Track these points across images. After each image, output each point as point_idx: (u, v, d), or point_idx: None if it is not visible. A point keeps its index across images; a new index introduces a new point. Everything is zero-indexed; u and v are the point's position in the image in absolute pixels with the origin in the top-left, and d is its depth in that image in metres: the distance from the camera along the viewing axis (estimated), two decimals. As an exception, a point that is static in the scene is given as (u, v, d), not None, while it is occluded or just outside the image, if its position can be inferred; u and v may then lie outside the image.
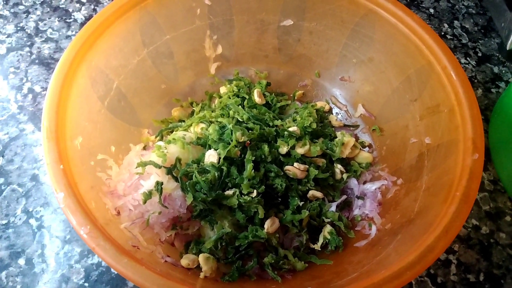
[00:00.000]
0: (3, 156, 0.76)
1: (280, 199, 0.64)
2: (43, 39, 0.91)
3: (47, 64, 0.87)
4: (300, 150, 0.66)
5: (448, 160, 0.58)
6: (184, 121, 0.76)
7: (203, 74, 0.81)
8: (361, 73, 0.76)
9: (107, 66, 0.66)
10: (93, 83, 0.64)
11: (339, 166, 0.69)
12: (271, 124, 0.69)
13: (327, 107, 0.78)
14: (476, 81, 0.90)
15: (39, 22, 0.93)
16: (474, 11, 1.01)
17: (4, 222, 0.70)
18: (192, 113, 0.78)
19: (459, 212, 0.50)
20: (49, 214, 0.70)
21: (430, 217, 0.54)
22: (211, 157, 0.61)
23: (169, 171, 0.60)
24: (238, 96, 0.75)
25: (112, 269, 0.66)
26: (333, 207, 0.65)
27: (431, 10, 1.00)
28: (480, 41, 0.96)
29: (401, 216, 0.61)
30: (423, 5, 1.01)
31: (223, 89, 0.79)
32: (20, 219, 0.70)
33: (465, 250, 0.69)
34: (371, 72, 0.74)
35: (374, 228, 0.63)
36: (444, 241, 0.48)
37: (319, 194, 0.65)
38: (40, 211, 0.71)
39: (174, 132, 0.66)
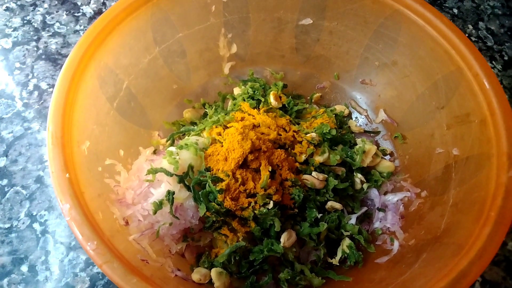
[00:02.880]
0: (7, 156, 0.73)
1: (297, 210, 0.60)
2: (50, 33, 0.87)
3: (54, 59, 0.84)
4: (318, 159, 0.62)
5: (479, 175, 0.54)
6: (196, 123, 0.72)
7: (216, 74, 0.77)
8: (383, 76, 0.72)
9: (116, 65, 0.63)
10: (102, 83, 0.60)
11: (359, 175, 0.65)
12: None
13: (346, 111, 0.74)
14: (502, 86, 0.85)
15: (46, 16, 0.90)
16: (500, 12, 0.96)
17: (7, 226, 0.67)
18: (205, 114, 0.74)
19: (494, 234, 0.47)
20: (53, 219, 0.67)
21: (460, 237, 0.50)
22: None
23: (181, 179, 0.56)
24: (253, 99, 0.72)
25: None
26: (353, 220, 0.62)
27: (455, 10, 0.96)
28: (506, 44, 0.91)
29: (426, 232, 0.58)
30: (446, 5, 0.96)
31: (237, 90, 0.76)
32: (23, 223, 0.67)
33: (490, 267, 0.66)
34: (394, 76, 0.70)
35: (396, 243, 0.59)
36: (478, 266, 0.45)
37: (338, 205, 0.61)
38: (45, 215, 0.68)
39: (186, 137, 0.63)
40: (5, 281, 0.62)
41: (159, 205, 0.54)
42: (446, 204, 0.57)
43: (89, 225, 0.45)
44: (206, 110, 0.74)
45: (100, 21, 0.60)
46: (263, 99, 0.71)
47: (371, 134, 0.73)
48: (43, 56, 0.84)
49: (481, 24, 0.94)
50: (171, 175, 0.56)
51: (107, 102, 0.61)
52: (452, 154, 0.60)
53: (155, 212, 0.54)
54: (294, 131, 0.65)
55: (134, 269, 0.45)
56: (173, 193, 0.55)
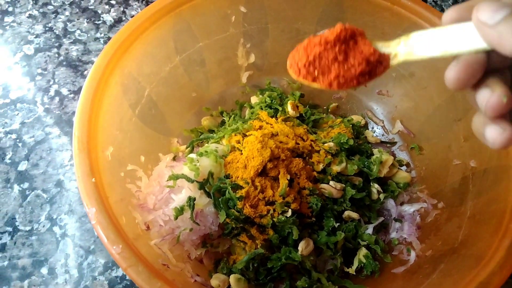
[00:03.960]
0: (28, 160, 0.74)
1: (314, 219, 0.61)
2: (71, 40, 0.89)
3: (75, 66, 0.86)
4: (336, 168, 0.63)
5: (497, 187, 0.55)
6: (213, 131, 0.73)
7: (234, 83, 0.78)
8: (400, 88, 0.72)
9: (139, 73, 0.64)
10: (125, 90, 0.62)
11: (376, 185, 0.65)
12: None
13: (363, 122, 0.75)
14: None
15: (67, 23, 0.92)
16: None
17: (27, 228, 0.68)
18: (222, 122, 0.75)
19: (514, 247, 0.47)
20: (73, 223, 0.68)
21: (478, 249, 0.50)
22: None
23: (202, 186, 0.57)
24: (270, 108, 0.73)
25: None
26: (370, 229, 0.62)
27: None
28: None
29: (443, 243, 0.58)
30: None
31: (254, 99, 0.77)
32: (43, 226, 0.68)
33: (507, 281, 0.66)
34: (411, 88, 0.71)
35: (413, 253, 0.60)
36: (498, 279, 0.45)
37: (355, 215, 0.62)
38: (64, 218, 0.69)
39: (206, 144, 0.64)
40: (26, 282, 0.63)
41: (180, 211, 0.55)
42: (463, 216, 0.58)
43: (114, 229, 0.46)
44: (223, 118, 0.75)
45: (124, 30, 0.61)
46: (280, 108, 0.72)
47: (388, 145, 0.74)
48: (64, 63, 0.86)
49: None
50: (192, 181, 0.57)
51: (129, 109, 0.63)
52: (470, 166, 0.61)
53: (176, 218, 0.55)
54: (311, 140, 0.66)
55: (158, 273, 0.45)
56: (194, 199, 0.56)
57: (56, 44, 0.89)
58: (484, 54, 0.33)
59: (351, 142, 0.66)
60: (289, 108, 0.71)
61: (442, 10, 0.97)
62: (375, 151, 0.69)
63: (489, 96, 0.33)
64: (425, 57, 0.37)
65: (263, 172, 0.59)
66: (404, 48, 0.39)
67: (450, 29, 0.35)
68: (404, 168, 0.71)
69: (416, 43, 0.38)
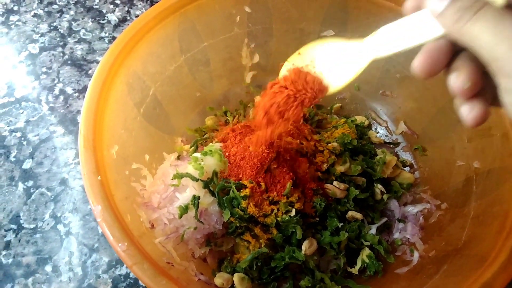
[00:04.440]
0: (32, 158, 0.75)
1: (318, 219, 0.61)
2: (76, 39, 0.90)
3: (79, 65, 0.86)
4: (340, 168, 0.63)
5: (500, 188, 0.55)
6: (217, 130, 0.73)
7: (238, 83, 0.79)
8: (404, 88, 0.72)
9: (144, 72, 0.64)
10: (130, 89, 0.62)
11: (379, 186, 0.66)
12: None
13: (366, 122, 0.75)
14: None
15: (72, 22, 0.92)
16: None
17: (32, 226, 0.68)
18: (226, 122, 0.76)
19: (518, 247, 0.47)
20: (77, 221, 0.69)
21: (482, 249, 0.51)
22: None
23: (206, 184, 0.57)
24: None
25: (140, 282, 0.64)
26: (373, 230, 0.62)
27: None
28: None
29: (446, 243, 0.58)
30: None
31: (258, 99, 0.77)
32: (48, 224, 0.69)
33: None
34: (415, 89, 0.71)
35: (416, 254, 0.60)
36: (502, 279, 0.45)
37: (358, 215, 0.62)
38: (69, 217, 0.69)
39: (210, 144, 0.64)
40: (30, 280, 0.64)
41: (184, 210, 0.55)
42: (467, 217, 0.58)
43: (120, 227, 0.47)
44: (227, 117, 0.75)
45: (129, 29, 0.62)
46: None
47: (391, 146, 0.74)
48: (69, 62, 0.86)
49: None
50: (196, 180, 0.57)
51: (134, 108, 0.63)
52: (473, 167, 0.61)
53: (181, 216, 0.55)
54: (315, 140, 0.66)
55: (163, 270, 0.46)
56: (199, 198, 0.56)
57: (61, 43, 0.89)
58: (446, 40, 0.34)
59: (355, 142, 0.66)
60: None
61: (446, 12, 0.97)
62: (378, 151, 0.69)
63: (455, 81, 0.34)
64: (390, 53, 0.39)
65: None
66: (371, 46, 0.40)
67: (410, 20, 0.36)
68: (407, 168, 0.71)
69: (382, 40, 0.39)
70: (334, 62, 0.45)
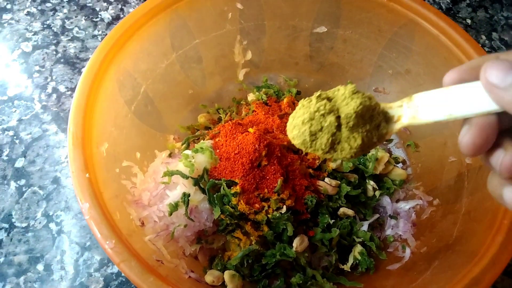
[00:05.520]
0: (25, 157, 0.74)
1: (309, 216, 0.61)
2: (69, 37, 0.89)
3: (73, 63, 0.86)
4: (331, 165, 0.63)
5: (492, 184, 0.55)
6: (210, 128, 0.73)
7: (231, 80, 0.78)
8: (397, 85, 0.72)
9: (135, 69, 0.64)
10: (121, 87, 0.62)
11: (371, 182, 0.65)
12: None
13: (359, 119, 0.75)
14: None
15: (65, 21, 0.92)
16: (513, 23, 0.97)
17: (24, 225, 0.68)
18: (219, 119, 0.75)
19: (507, 242, 0.47)
20: (69, 219, 0.69)
21: (472, 245, 0.50)
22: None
23: (196, 182, 0.57)
24: (266, 104, 0.73)
25: (132, 280, 0.64)
26: (365, 226, 0.62)
27: (468, 21, 0.96)
28: (519, 55, 0.91)
29: (437, 240, 0.58)
30: (460, 15, 0.97)
31: (251, 96, 0.77)
32: (40, 222, 0.68)
33: (502, 278, 0.66)
34: (408, 85, 0.71)
35: (408, 250, 0.60)
36: (491, 274, 0.45)
37: (350, 212, 0.62)
38: (61, 215, 0.69)
39: (201, 141, 0.64)
40: (22, 279, 0.63)
41: (174, 207, 0.55)
42: (458, 213, 0.58)
43: (108, 224, 0.46)
44: (220, 115, 0.75)
45: (120, 26, 0.61)
46: (276, 105, 0.72)
47: (384, 142, 0.73)
48: (62, 60, 0.86)
49: (494, 34, 0.95)
50: (186, 177, 0.57)
51: (125, 105, 0.63)
52: (465, 163, 0.61)
53: (171, 214, 0.55)
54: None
55: (151, 268, 0.46)
56: (189, 195, 0.56)
57: (54, 42, 0.89)
58: (496, 116, 0.32)
59: (347, 139, 0.65)
60: (285, 105, 0.71)
61: (440, 8, 0.97)
62: (371, 148, 0.69)
63: (502, 157, 0.32)
64: (430, 121, 0.35)
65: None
66: (408, 111, 0.37)
67: (455, 90, 0.34)
68: (400, 165, 0.71)
69: (419, 106, 0.35)
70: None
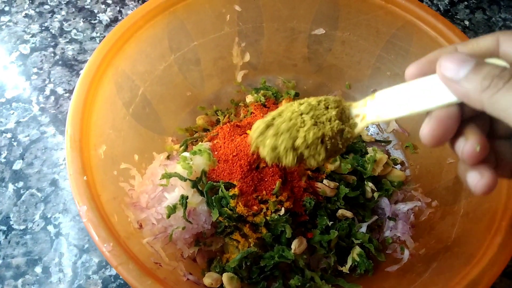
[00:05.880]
0: (23, 159, 0.74)
1: (308, 218, 0.61)
2: (67, 40, 0.89)
3: (71, 65, 0.86)
4: (330, 166, 0.63)
5: (490, 185, 0.55)
6: (208, 129, 0.73)
7: (229, 82, 0.78)
8: (395, 86, 0.72)
9: (133, 71, 0.64)
10: (119, 89, 0.62)
11: (370, 184, 0.65)
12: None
13: (357, 121, 0.75)
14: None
15: (63, 23, 0.92)
16: None
17: (22, 227, 0.68)
18: (217, 121, 0.75)
19: (506, 244, 0.47)
20: (67, 222, 0.68)
21: (471, 247, 0.50)
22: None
23: (195, 184, 0.57)
24: (265, 106, 0.73)
25: (130, 282, 0.64)
26: (364, 228, 0.62)
27: (466, 22, 0.96)
28: (517, 56, 0.92)
29: (436, 241, 0.58)
30: (458, 17, 0.97)
31: (249, 98, 0.77)
32: (38, 225, 0.68)
33: (501, 279, 0.66)
34: (406, 86, 0.70)
35: (406, 252, 0.60)
36: (489, 276, 0.45)
37: (349, 213, 0.62)
38: (59, 217, 0.69)
39: (199, 143, 0.64)
40: (20, 281, 0.63)
41: (173, 209, 0.55)
42: (457, 214, 0.58)
43: (105, 227, 0.46)
44: (218, 117, 0.75)
45: (118, 28, 0.61)
46: (274, 107, 0.72)
47: (382, 143, 0.74)
48: (60, 62, 0.86)
49: (492, 36, 0.94)
50: (185, 180, 0.57)
51: (123, 108, 0.63)
52: (463, 165, 0.60)
53: (169, 216, 0.55)
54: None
55: (149, 271, 0.45)
56: (187, 197, 0.56)
57: (52, 44, 0.89)
58: (457, 106, 0.33)
59: (345, 140, 0.65)
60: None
61: (438, 9, 0.97)
62: (369, 149, 0.69)
63: (463, 145, 0.33)
64: (393, 118, 0.36)
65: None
66: (371, 109, 0.37)
67: (415, 85, 0.34)
68: (398, 166, 0.71)
69: (382, 104, 0.36)
70: None
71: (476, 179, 0.34)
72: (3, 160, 0.74)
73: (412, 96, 0.35)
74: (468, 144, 0.33)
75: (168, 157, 0.67)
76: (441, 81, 0.33)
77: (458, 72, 0.31)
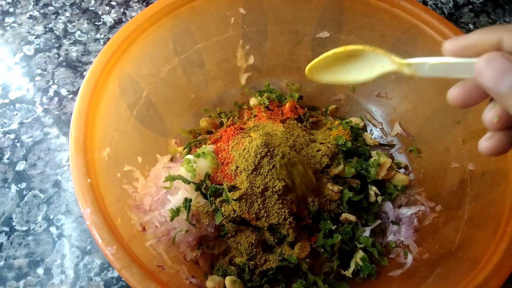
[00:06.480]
0: (26, 160, 0.74)
1: (311, 221, 0.60)
2: (71, 41, 0.89)
3: (74, 67, 0.86)
4: (334, 170, 0.63)
5: (494, 190, 0.55)
6: (212, 132, 0.73)
7: (233, 85, 0.78)
8: (399, 90, 0.72)
9: (137, 74, 0.64)
10: (123, 91, 0.62)
11: (373, 188, 0.65)
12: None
13: (361, 124, 0.75)
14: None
15: (68, 24, 0.92)
16: (516, 29, 0.97)
17: (24, 228, 0.68)
18: (221, 124, 0.75)
19: (511, 250, 0.46)
20: (70, 223, 0.68)
21: (475, 252, 0.50)
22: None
23: (198, 187, 0.57)
24: (268, 109, 0.73)
25: (132, 284, 0.63)
26: (367, 232, 0.62)
27: (471, 26, 0.96)
28: (522, 60, 0.91)
29: (440, 246, 0.58)
30: (462, 20, 0.97)
31: (253, 101, 0.77)
32: (40, 226, 0.68)
33: (505, 285, 0.65)
34: (410, 90, 0.70)
35: (410, 256, 0.59)
36: (494, 282, 0.45)
37: (352, 217, 0.61)
38: (61, 219, 0.69)
39: (203, 146, 0.64)
40: (22, 282, 0.63)
41: (176, 212, 0.55)
42: (461, 219, 0.57)
43: (109, 230, 0.46)
44: (222, 119, 0.75)
45: (123, 30, 0.62)
46: (278, 110, 0.72)
47: (386, 147, 0.73)
48: (64, 63, 0.86)
49: (496, 40, 0.94)
50: (188, 182, 0.57)
51: (127, 110, 0.63)
52: (468, 169, 0.60)
53: (172, 219, 0.55)
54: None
55: (152, 274, 0.45)
56: (190, 200, 0.56)
57: (56, 45, 0.89)
58: None
59: (349, 144, 0.65)
60: (287, 109, 0.71)
61: (443, 13, 0.97)
62: (373, 153, 0.69)
63: (486, 111, 0.35)
64: (426, 75, 0.38)
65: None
66: (408, 66, 0.39)
67: (454, 61, 0.35)
68: (402, 170, 0.71)
69: (420, 62, 0.38)
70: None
71: (485, 138, 0.36)
72: (6, 161, 0.74)
73: (449, 65, 0.36)
74: (490, 113, 0.35)
75: (171, 160, 0.67)
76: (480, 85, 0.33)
77: (499, 85, 0.31)
